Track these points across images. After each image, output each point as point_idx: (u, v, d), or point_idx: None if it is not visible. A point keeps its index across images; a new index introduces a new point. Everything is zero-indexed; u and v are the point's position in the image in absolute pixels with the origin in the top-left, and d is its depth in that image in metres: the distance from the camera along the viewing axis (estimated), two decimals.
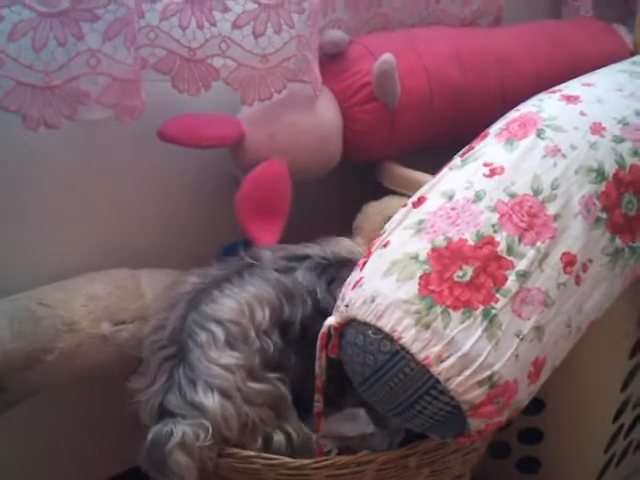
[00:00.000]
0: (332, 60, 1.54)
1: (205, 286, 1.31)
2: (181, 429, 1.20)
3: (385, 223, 1.26)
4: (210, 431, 1.21)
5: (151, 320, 1.33)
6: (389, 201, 1.47)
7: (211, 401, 1.22)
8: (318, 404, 1.23)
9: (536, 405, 1.45)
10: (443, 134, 1.58)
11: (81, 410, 1.52)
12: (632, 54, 1.72)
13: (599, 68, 1.48)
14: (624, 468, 1.68)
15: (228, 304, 1.28)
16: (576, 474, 1.57)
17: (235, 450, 1.23)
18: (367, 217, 1.48)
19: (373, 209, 1.49)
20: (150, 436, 1.21)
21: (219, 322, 1.26)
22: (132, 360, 1.33)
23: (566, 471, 1.56)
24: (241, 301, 1.28)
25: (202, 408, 1.22)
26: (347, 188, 1.61)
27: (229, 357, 1.25)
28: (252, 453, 1.22)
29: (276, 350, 1.27)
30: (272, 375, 1.26)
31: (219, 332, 1.26)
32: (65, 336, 1.29)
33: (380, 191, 1.53)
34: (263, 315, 1.28)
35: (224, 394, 1.23)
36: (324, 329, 1.19)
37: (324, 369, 1.21)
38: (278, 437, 1.25)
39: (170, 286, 1.37)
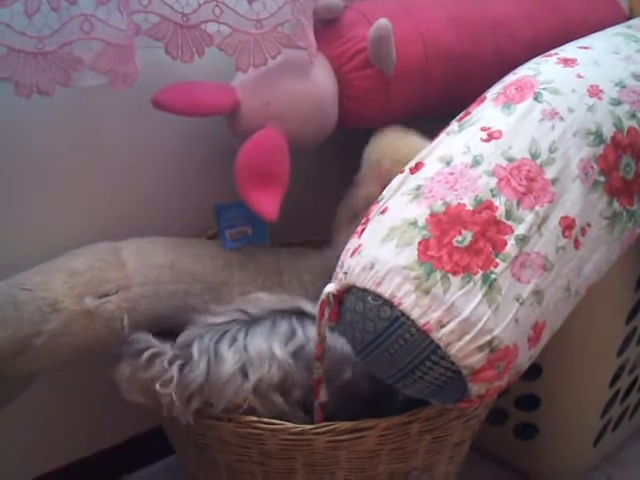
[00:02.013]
0: (327, 26, 1.52)
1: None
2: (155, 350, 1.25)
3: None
4: (171, 376, 1.23)
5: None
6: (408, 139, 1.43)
7: (227, 360, 1.24)
8: (318, 371, 1.23)
9: (533, 371, 1.45)
10: (439, 102, 1.57)
11: (73, 383, 1.52)
12: (627, 19, 1.71)
13: (594, 33, 1.48)
14: (620, 433, 1.69)
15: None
16: (573, 439, 1.58)
17: (237, 415, 1.23)
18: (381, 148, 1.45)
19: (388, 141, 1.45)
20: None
21: (308, 339, 1.27)
22: (121, 332, 1.32)
23: (563, 437, 1.57)
24: (338, 347, 1.27)
25: (218, 356, 1.25)
26: (344, 156, 1.60)
27: (283, 356, 1.25)
28: (254, 418, 1.23)
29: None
30: (299, 412, 1.26)
31: (301, 341, 1.27)
32: (51, 317, 1.28)
33: None
34: (345, 374, 1.27)
35: (243, 370, 1.24)
36: (323, 296, 1.18)
37: (324, 336, 1.21)
38: None
39: None
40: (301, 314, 1.31)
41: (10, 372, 1.30)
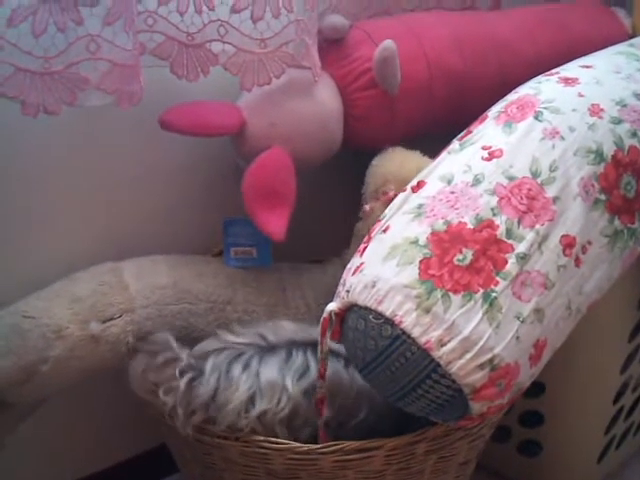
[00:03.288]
0: (332, 45, 1.53)
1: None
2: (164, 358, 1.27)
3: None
4: (177, 386, 1.24)
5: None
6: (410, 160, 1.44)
7: (238, 385, 1.24)
8: (321, 390, 1.23)
9: (537, 388, 1.45)
10: (443, 120, 1.58)
11: (74, 401, 1.51)
12: (630, 37, 1.72)
13: (597, 51, 1.48)
14: (624, 450, 1.69)
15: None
16: (577, 456, 1.58)
17: (243, 434, 1.23)
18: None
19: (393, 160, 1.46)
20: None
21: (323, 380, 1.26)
22: (126, 355, 1.33)
23: (567, 454, 1.57)
24: (354, 385, 1.27)
25: (229, 377, 1.25)
26: (349, 175, 1.60)
27: (295, 391, 1.25)
28: (260, 437, 1.23)
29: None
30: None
31: (313, 378, 1.26)
32: (56, 343, 1.28)
33: None
34: (361, 414, 1.27)
35: (251, 400, 1.24)
36: (325, 315, 1.19)
37: (326, 354, 1.21)
38: None
39: None
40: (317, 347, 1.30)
41: (17, 400, 1.30)
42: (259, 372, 1.26)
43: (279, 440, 1.23)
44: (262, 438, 1.23)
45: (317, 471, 1.23)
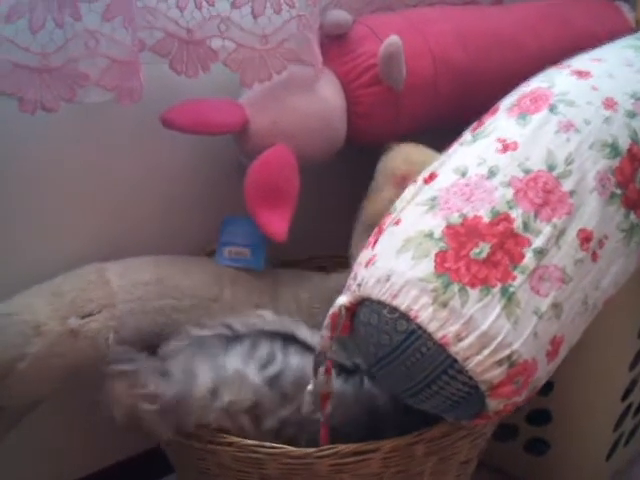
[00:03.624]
0: (334, 41, 1.51)
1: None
2: (133, 367, 1.23)
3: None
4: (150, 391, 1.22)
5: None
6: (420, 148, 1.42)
7: (201, 377, 1.22)
8: (327, 385, 1.20)
9: (545, 386, 1.41)
10: (448, 116, 1.56)
11: (71, 403, 1.48)
12: (634, 31, 1.71)
13: (601, 45, 1.47)
14: (633, 447, 1.68)
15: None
16: (585, 454, 1.56)
17: (236, 439, 1.21)
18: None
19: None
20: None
21: (287, 366, 1.24)
22: (107, 351, 1.30)
23: (575, 451, 1.55)
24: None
25: (193, 371, 1.23)
26: (351, 171, 1.59)
27: (257, 381, 1.23)
28: (254, 442, 1.20)
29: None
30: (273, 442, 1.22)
31: (279, 368, 1.24)
32: (34, 340, 1.26)
33: None
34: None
35: (215, 389, 1.22)
36: (335, 309, 1.16)
37: (328, 350, 1.18)
38: None
39: None
40: (290, 339, 1.28)
41: (4, 401, 1.29)
42: (222, 363, 1.25)
43: (273, 445, 1.20)
44: (256, 443, 1.20)
45: (312, 475, 1.21)
